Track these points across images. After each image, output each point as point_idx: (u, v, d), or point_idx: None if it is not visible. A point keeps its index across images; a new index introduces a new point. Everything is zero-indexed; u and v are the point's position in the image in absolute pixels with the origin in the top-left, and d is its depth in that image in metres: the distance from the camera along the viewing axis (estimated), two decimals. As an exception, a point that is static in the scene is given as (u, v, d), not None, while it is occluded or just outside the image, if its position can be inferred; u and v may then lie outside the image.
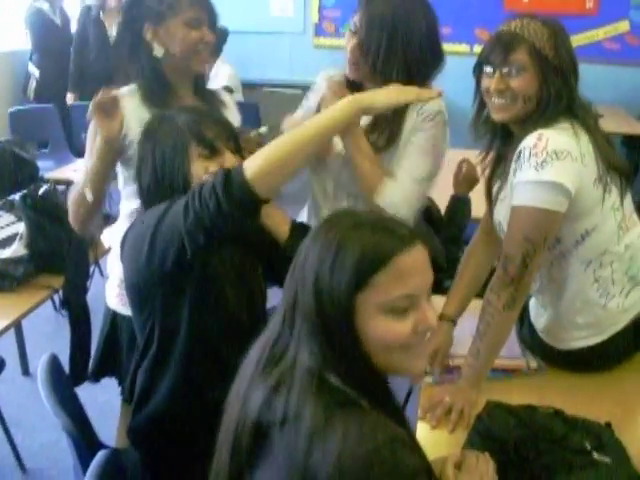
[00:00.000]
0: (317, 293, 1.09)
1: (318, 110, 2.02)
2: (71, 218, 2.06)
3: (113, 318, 2.16)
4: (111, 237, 2.37)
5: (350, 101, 1.60)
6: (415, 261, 1.11)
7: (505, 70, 1.75)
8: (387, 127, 1.96)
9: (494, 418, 1.58)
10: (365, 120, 1.96)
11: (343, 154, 1.98)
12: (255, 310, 1.77)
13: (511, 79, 1.75)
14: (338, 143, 1.98)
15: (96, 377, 2.28)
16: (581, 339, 1.90)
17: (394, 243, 1.10)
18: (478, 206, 2.78)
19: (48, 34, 6.27)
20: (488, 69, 1.80)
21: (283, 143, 1.48)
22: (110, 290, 2.17)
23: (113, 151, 1.96)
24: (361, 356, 1.11)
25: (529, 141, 1.70)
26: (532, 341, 2.00)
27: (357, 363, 1.11)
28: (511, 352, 1.94)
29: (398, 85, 1.76)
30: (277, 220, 1.76)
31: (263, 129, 2.11)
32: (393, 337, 1.10)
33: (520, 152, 1.71)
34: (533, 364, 1.93)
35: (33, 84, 6.29)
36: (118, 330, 2.15)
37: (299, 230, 1.75)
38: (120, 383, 2.24)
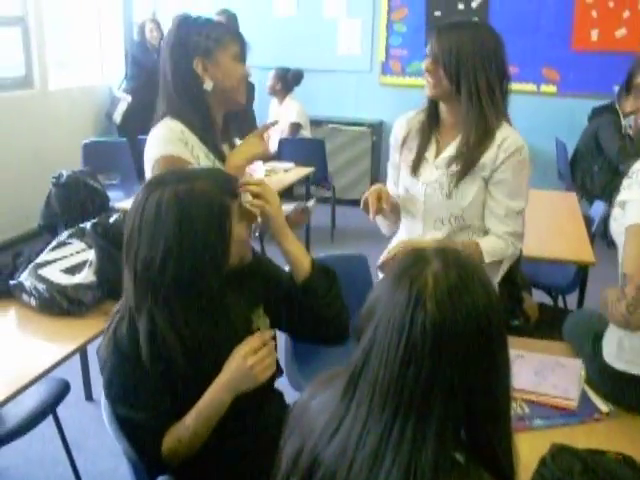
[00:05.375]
0: None
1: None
2: None
3: None
4: None
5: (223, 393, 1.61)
6: None
7: None
8: (467, 156, 2.14)
9: (559, 462, 1.53)
10: (448, 152, 2.21)
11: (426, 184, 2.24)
12: None
13: None
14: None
15: None
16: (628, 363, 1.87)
17: None
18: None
19: (147, 63, 6.56)
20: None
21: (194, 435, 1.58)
22: None
23: None
24: None
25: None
26: (600, 378, 1.96)
27: None
28: (567, 392, 1.91)
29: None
30: (299, 253, 1.79)
31: (310, 203, 2.22)
32: None
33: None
34: (605, 408, 1.86)
35: (124, 107, 6.53)
36: None
37: (319, 265, 1.80)
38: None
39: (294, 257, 1.77)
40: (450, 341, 1.02)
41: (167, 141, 2.08)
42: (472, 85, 2.08)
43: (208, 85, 2.08)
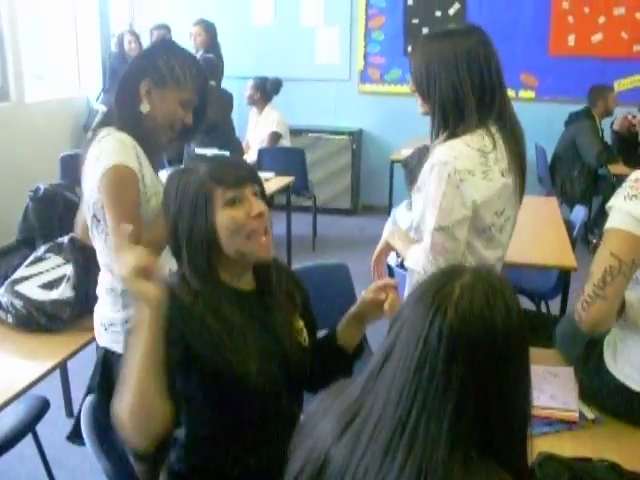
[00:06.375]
0: None
1: None
2: None
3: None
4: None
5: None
6: None
7: None
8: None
9: (546, 471, 1.52)
10: None
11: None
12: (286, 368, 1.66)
13: None
14: None
15: None
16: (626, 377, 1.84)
17: None
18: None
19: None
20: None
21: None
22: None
23: None
24: None
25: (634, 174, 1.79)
26: (590, 382, 1.94)
27: None
28: (566, 403, 1.88)
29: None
30: (356, 333, 1.76)
31: None
32: None
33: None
34: (590, 415, 1.85)
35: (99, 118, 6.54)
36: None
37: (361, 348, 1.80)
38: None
39: (355, 340, 1.77)
40: (465, 350, 1.04)
41: (120, 152, 1.97)
42: (439, 102, 2.04)
43: (144, 108, 2.02)
